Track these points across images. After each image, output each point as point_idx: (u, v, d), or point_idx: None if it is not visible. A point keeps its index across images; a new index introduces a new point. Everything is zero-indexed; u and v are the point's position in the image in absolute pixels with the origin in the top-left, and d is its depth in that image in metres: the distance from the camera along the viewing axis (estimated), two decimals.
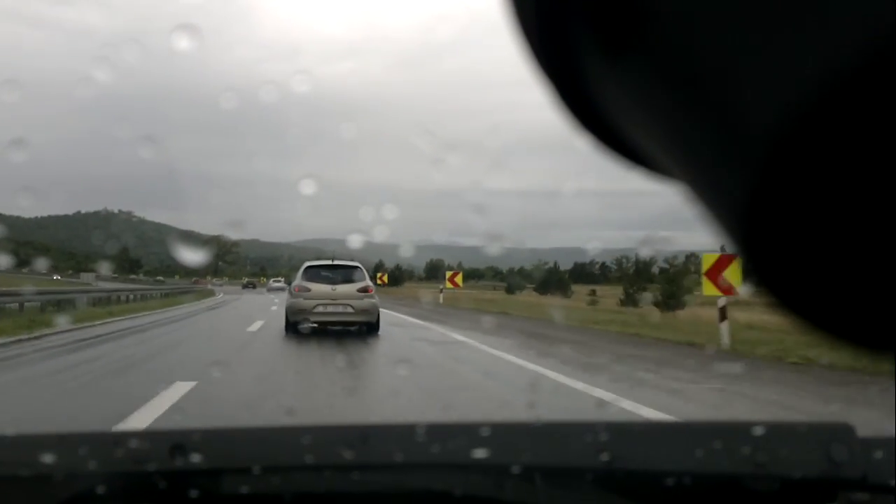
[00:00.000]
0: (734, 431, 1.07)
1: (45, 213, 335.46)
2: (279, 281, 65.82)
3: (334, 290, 12.46)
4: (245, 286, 74.71)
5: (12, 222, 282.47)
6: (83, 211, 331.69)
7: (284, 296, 17.02)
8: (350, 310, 12.39)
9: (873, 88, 0.24)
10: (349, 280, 12.70)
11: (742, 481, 0.96)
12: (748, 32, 0.26)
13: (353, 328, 12.50)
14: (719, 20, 0.27)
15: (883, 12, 0.24)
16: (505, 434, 1.04)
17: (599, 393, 6.53)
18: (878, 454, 0.96)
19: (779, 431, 1.04)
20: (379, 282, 43.30)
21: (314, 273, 12.90)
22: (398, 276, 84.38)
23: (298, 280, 12.87)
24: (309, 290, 12.47)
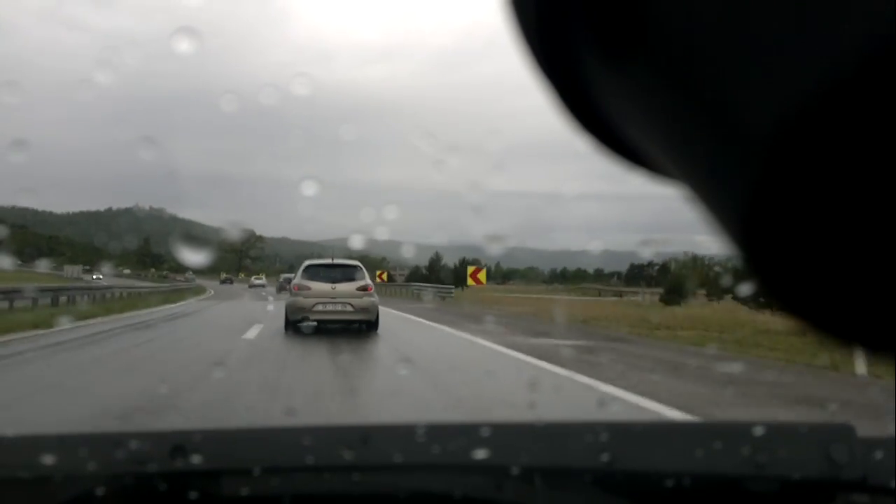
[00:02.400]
0: (734, 432, 1.06)
1: (76, 209, 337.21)
2: (260, 278, 68.48)
3: (334, 288, 12.51)
4: (223, 282, 75.59)
5: (45, 217, 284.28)
6: (114, 207, 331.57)
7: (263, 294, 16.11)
8: (349, 308, 12.49)
9: (873, 88, 0.24)
10: (349, 279, 12.77)
11: (742, 482, 0.95)
12: (748, 34, 0.26)
13: (353, 326, 12.59)
14: (719, 22, 0.27)
15: (882, 13, 0.24)
16: (505, 435, 1.03)
17: None
18: (879, 455, 0.96)
19: (779, 432, 1.03)
20: (471, 281, 27.67)
21: (314, 272, 12.91)
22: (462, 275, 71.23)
23: (298, 278, 12.87)
24: (309, 288, 12.51)
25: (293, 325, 12.35)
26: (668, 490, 0.94)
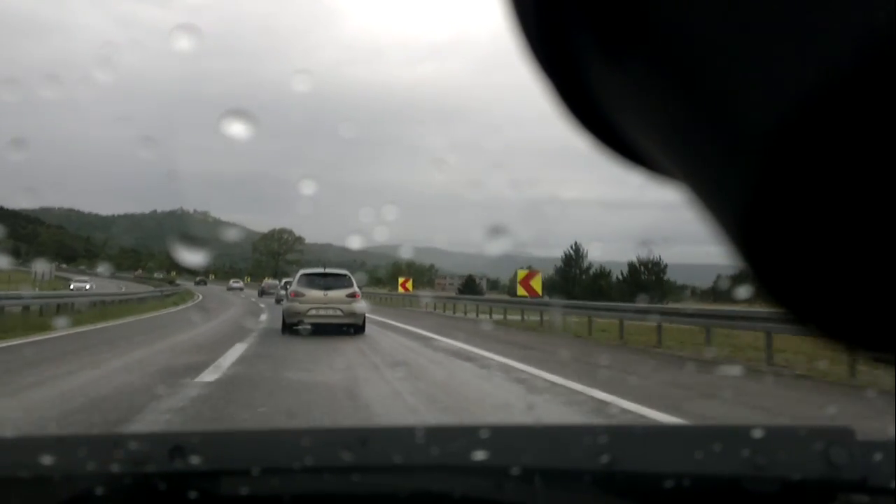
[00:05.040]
0: (734, 434, 1.07)
1: (121, 211, 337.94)
2: (238, 282, 71.63)
3: (326, 295, 14.03)
4: (197, 283, 78.80)
5: (90, 219, 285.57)
6: (159, 210, 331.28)
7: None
8: (339, 313, 13.93)
9: (872, 88, 0.24)
10: (339, 287, 14.23)
11: (742, 483, 0.95)
12: (747, 34, 0.26)
13: (343, 329, 13.98)
14: (718, 21, 0.27)
15: (881, 13, 0.24)
16: (504, 436, 1.03)
17: None
18: (878, 457, 0.96)
19: (779, 434, 1.04)
20: None
21: (309, 280, 14.48)
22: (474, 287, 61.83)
23: (295, 286, 14.43)
24: (304, 295, 14.01)
25: (289, 327, 13.88)
26: (668, 491, 0.95)
